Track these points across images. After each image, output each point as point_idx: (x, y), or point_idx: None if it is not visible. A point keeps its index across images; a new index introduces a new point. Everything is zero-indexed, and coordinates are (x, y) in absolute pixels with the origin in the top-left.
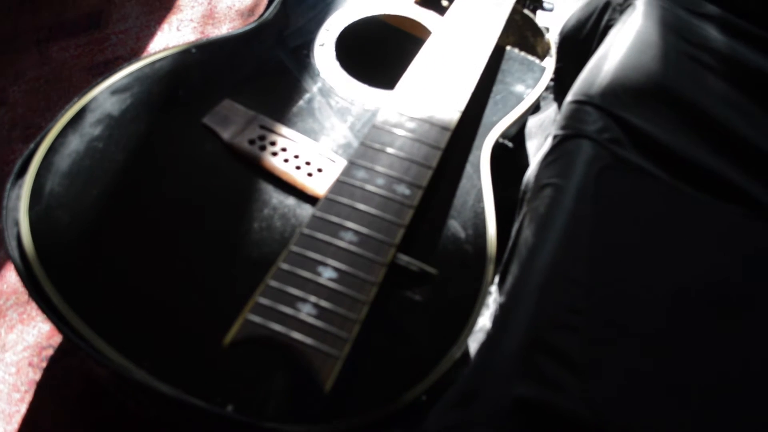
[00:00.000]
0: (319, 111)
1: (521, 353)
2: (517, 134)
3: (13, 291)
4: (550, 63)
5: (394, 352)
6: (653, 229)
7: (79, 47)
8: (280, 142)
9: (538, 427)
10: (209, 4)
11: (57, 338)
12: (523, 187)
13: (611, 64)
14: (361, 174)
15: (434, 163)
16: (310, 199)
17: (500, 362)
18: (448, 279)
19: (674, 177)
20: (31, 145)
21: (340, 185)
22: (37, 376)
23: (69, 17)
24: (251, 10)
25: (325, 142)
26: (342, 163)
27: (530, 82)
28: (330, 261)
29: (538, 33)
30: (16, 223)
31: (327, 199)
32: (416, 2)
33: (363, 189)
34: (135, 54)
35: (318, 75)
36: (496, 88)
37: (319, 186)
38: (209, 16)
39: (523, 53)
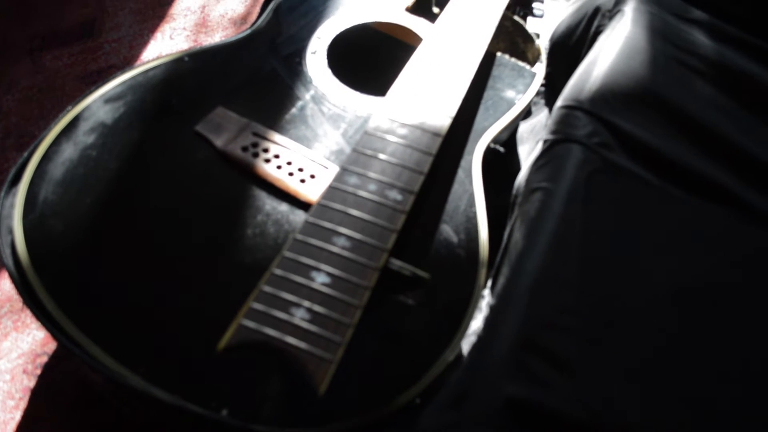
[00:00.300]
0: (311, 118)
1: (512, 354)
2: (508, 139)
3: (8, 299)
4: (540, 69)
5: (387, 356)
6: (642, 231)
7: (73, 56)
8: (273, 149)
9: (530, 427)
10: (202, 12)
11: (51, 345)
12: (514, 191)
13: (600, 69)
14: (353, 180)
15: (426, 168)
16: (303, 205)
17: (491, 363)
18: (441, 283)
19: (663, 180)
20: (25, 154)
21: (332, 191)
22: (32, 384)
23: (62, 26)
24: (244, 19)
25: (318, 149)
26: (334, 170)
27: (521, 87)
28: (323, 266)
29: (528, 39)
30: (10, 231)
31: (320, 205)
32: (407, 9)
33: (355, 195)
34: (128, 62)
35: (310, 82)
36: (487, 93)
37: (312, 192)
38: (202, 25)
39: (513, 59)
